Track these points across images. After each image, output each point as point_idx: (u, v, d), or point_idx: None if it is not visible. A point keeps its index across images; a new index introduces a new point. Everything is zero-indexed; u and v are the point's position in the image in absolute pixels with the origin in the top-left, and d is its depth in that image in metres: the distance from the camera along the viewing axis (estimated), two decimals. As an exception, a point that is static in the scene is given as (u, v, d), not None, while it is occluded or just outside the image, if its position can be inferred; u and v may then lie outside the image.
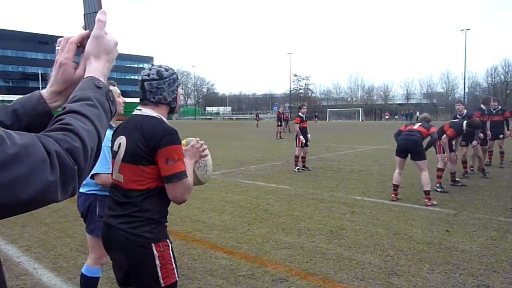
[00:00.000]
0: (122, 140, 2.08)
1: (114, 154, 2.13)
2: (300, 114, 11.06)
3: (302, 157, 10.90)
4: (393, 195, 7.11)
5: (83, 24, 1.09)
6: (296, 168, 10.61)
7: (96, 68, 1.03)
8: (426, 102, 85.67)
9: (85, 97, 0.94)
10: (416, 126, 7.20)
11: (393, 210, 6.40)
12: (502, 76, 76.66)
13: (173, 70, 2.16)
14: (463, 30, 63.79)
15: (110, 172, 2.41)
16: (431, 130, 7.11)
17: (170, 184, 1.96)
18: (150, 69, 2.11)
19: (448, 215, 6.07)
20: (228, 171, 10.61)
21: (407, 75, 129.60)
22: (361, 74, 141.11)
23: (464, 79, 70.33)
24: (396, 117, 70.93)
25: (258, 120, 43.76)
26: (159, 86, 2.07)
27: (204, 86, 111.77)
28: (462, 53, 68.75)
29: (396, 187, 7.12)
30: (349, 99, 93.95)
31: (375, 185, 8.50)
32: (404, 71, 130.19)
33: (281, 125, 24.71)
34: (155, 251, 1.98)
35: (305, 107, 11.33)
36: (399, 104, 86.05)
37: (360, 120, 71.37)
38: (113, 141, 2.17)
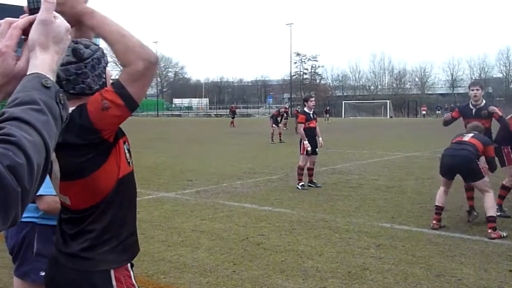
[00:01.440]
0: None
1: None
2: (305, 109, 11.10)
3: (308, 169, 10.94)
4: (434, 222, 7.16)
5: (26, 5, 1.15)
6: (300, 184, 10.64)
7: (43, 62, 1.08)
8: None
9: (30, 99, 0.99)
10: (468, 137, 7.21)
11: (434, 243, 6.45)
12: None
13: (96, 45, 2.14)
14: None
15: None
16: (489, 149, 7.08)
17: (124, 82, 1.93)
18: None
19: (510, 249, 6.12)
20: (204, 189, 10.61)
21: (452, 54, 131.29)
22: (388, 53, 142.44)
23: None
24: (438, 112, 71.31)
25: (233, 118, 43.29)
26: (79, 71, 2.05)
27: (170, 70, 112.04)
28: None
29: (439, 210, 7.17)
30: (372, 87, 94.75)
31: (410, 208, 8.56)
32: (448, 49, 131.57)
33: (278, 125, 24.84)
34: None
35: (313, 99, 11.39)
36: (440, 94, 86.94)
37: (388, 116, 71.96)
38: None
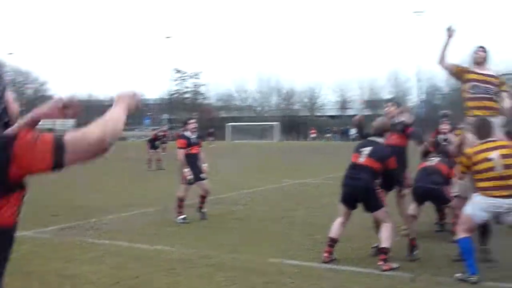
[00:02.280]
0: None
1: None
2: (185, 133, 11.09)
3: (201, 197, 10.97)
4: (325, 255, 7.41)
5: None
6: (181, 217, 10.56)
7: None
8: (369, 113, 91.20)
9: None
10: (363, 157, 7.35)
11: (326, 277, 6.67)
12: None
13: None
14: (417, 12, 70.22)
15: None
16: (388, 163, 7.33)
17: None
18: None
19: (402, 281, 6.49)
20: (69, 226, 10.20)
21: (342, 75, 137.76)
22: (276, 72, 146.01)
23: (417, 81, 76.83)
24: (327, 135, 74.40)
25: None
26: None
27: (29, 86, 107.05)
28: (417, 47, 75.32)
29: (333, 242, 7.43)
30: (259, 108, 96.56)
31: (300, 240, 8.80)
32: (337, 69, 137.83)
33: (156, 150, 24.60)
34: None
35: (193, 121, 11.40)
36: (330, 116, 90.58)
37: (276, 139, 73.55)
38: None
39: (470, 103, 7.69)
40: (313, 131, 75.85)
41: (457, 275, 6.49)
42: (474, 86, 7.66)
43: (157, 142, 25.40)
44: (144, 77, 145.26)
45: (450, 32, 8.07)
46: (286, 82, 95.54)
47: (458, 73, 7.99)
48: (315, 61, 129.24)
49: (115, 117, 2.17)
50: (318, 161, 28.73)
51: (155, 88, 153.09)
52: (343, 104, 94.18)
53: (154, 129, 26.76)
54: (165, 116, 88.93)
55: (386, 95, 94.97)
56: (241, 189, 16.06)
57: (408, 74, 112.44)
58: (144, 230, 9.75)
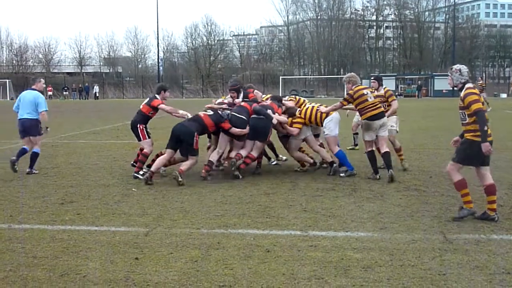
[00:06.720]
0: None
1: None
2: None
3: None
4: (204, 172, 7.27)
5: None
6: None
7: None
8: (108, 71, 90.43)
9: None
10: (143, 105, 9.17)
11: (58, 239, 6.48)
12: (204, 38, 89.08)
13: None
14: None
15: None
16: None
17: None
18: None
19: (137, 236, 6.60)
20: None
21: (79, 30, 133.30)
22: (5, 25, 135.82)
23: (157, 39, 78.01)
24: (65, 93, 72.24)
25: None
26: None
27: None
28: (154, 5, 75.74)
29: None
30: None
31: (31, 203, 8.42)
32: (74, 24, 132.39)
33: None
34: None
35: None
36: (68, 73, 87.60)
37: (8, 98, 69.29)
38: None
39: None
40: (49, 88, 72.55)
41: (341, 174, 10.02)
42: None
43: None
44: None
45: None
46: (18, 36, 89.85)
47: None
48: (50, 14, 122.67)
49: None
50: (54, 121, 27.46)
51: None
52: (82, 60, 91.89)
53: None
54: None
55: (126, 53, 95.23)
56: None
57: (148, 31, 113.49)
58: None
